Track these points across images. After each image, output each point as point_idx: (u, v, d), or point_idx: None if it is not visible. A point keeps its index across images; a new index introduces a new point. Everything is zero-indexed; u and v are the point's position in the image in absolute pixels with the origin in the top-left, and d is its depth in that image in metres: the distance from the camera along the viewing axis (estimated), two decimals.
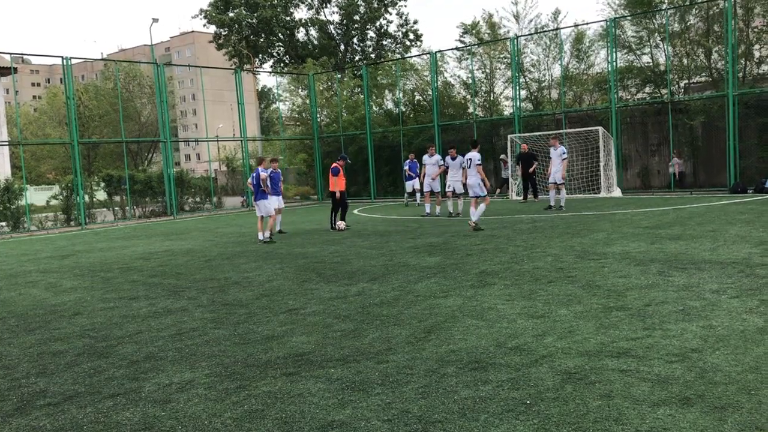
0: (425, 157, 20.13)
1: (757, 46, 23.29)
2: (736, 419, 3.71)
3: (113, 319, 7.49)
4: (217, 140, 36.19)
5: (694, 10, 24.18)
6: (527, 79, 28.46)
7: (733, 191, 20.95)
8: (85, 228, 23.26)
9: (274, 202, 15.53)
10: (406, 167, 24.93)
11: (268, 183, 15.02)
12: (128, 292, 9.24)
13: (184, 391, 4.82)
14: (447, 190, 18.72)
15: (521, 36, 27.83)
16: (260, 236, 14.53)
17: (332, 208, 16.65)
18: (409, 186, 25.02)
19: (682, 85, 25.46)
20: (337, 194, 16.25)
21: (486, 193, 14.27)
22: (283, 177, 20.00)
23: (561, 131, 24.65)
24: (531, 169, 22.27)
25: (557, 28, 27.68)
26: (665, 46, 24.15)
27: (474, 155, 14.28)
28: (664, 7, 24.33)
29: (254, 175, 15.06)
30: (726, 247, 9.55)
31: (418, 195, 24.61)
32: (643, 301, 6.61)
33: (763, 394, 4.04)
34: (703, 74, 24.76)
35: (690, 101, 23.85)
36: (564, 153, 18.49)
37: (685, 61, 24.73)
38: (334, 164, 16.55)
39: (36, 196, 33.96)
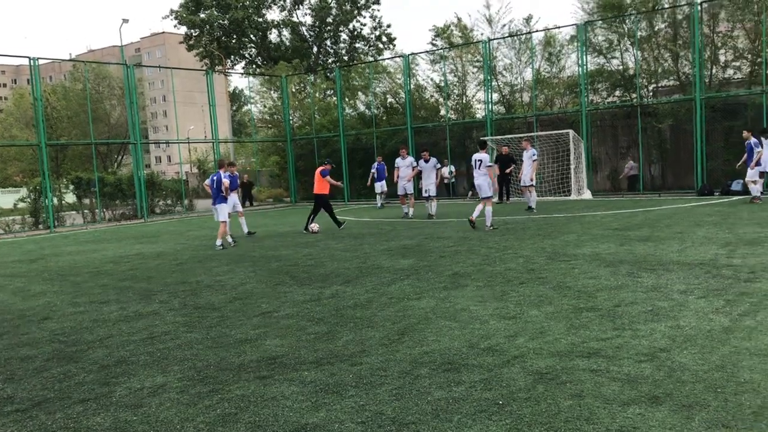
0: (398, 160, 20.18)
1: (722, 51, 23.74)
2: (703, 417, 3.79)
3: (83, 323, 7.39)
4: (188, 142, 35.84)
5: (661, 15, 24.57)
6: (499, 83, 28.68)
7: (701, 193, 21.33)
8: (53, 231, 22.88)
9: (230, 207, 15.54)
10: (374, 170, 25.11)
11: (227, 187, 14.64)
12: (98, 296, 9.12)
13: (156, 396, 4.78)
14: (424, 194, 18.83)
15: (493, 39, 28.04)
16: (218, 242, 14.07)
17: (314, 210, 16.66)
18: (378, 187, 25.21)
19: (650, 89, 25.86)
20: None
21: (491, 194, 14.46)
22: (252, 180, 20.18)
23: (532, 134, 24.88)
24: (507, 170, 22.47)
25: (529, 32, 27.94)
26: (634, 51, 24.52)
27: (484, 156, 14.48)
28: (632, 12, 24.67)
29: (214, 178, 14.54)
30: (693, 249, 9.73)
31: (379, 198, 25.09)
32: (612, 301, 6.71)
33: (728, 392, 4.13)
34: (671, 78, 25.18)
35: (658, 105, 24.23)
36: (534, 155, 18.76)
37: (653, 65, 25.12)
38: (324, 167, 16.61)
39: (3, 198, 33.32)
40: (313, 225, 16.24)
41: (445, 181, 26.67)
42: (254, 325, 6.74)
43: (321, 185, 16.41)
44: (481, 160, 14.41)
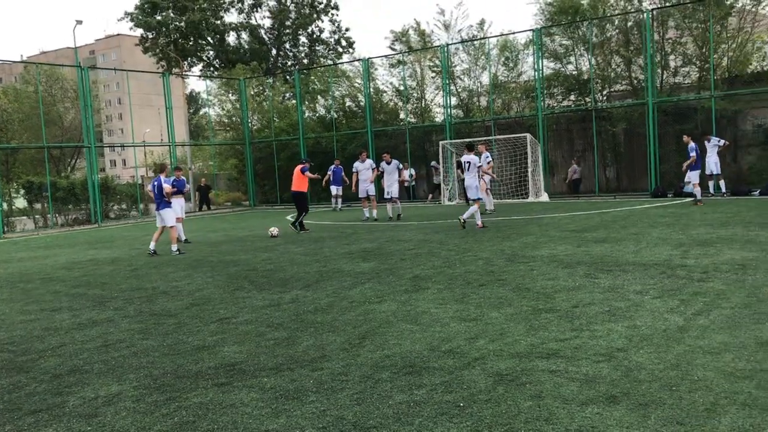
0: (356, 164, 20.22)
1: (672, 57, 24.35)
2: (659, 415, 3.86)
3: (34, 331, 7.18)
4: (144, 145, 35.24)
5: (613, 21, 25.06)
6: (457, 87, 28.90)
7: (654, 195, 21.82)
8: (2, 237, 22.23)
9: (178, 211, 15.47)
10: (330, 172, 25.15)
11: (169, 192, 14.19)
12: (50, 303, 8.88)
13: (111, 405, 4.66)
14: (386, 195, 19.04)
15: (451, 44, 28.24)
16: (174, 248, 13.73)
17: (301, 209, 16.84)
18: (333, 190, 25.35)
19: (604, 93, 26.36)
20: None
21: (480, 195, 14.99)
22: (210, 183, 20.27)
23: (490, 138, 25.13)
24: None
25: (485, 37, 28.23)
26: (589, 56, 24.97)
27: (472, 158, 14.78)
28: (586, 18, 25.12)
29: (155, 183, 14.11)
30: (648, 250, 9.93)
31: (339, 200, 25.47)
32: (570, 302, 6.79)
33: (683, 390, 4.21)
34: (624, 83, 25.72)
35: (612, 109, 24.72)
36: (487, 157, 18.99)
37: (606, 70, 25.61)
38: (303, 165, 16.88)
39: None
40: (272, 229, 16.13)
41: (405, 184, 26.78)
42: (212, 331, 6.64)
43: (300, 182, 16.62)
44: (470, 162, 14.76)
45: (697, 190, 17.83)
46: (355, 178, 19.98)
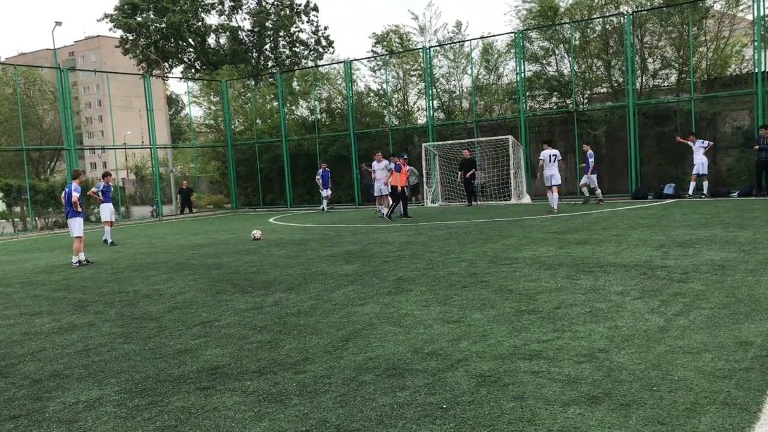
0: (374, 164, 21.40)
1: (651, 60, 24.59)
2: (641, 415, 3.89)
3: (14, 336, 7.09)
4: (125, 148, 35.03)
5: (593, 25, 25.26)
6: (439, 90, 28.97)
7: (635, 197, 22.01)
8: None
9: (107, 215, 15.87)
10: (318, 176, 25.55)
11: (80, 201, 13.66)
12: (30, 307, 8.77)
13: (92, 410, 4.61)
14: (376, 193, 20.81)
15: (433, 46, 28.31)
16: (74, 259, 13.09)
17: (396, 200, 18.73)
18: (324, 193, 25.74)
19: (585, 95, 26.56)
20: (399, 188, 18.66)
21: (560, 182, 18.86)
22: (191, 186, 20.85)
23: (473, 140, 25.23)
24: (468, 174, 23.12)
25: (465, 40, 28.33)
26: (569, 59, 25.15)
27: (555, 151, 18.50)
28: (566, 21, 25.30)
29: (66, 190, 13.60)
30: (629, 251, 10.02)
31: (325, 202, 26.02)
32: (552, 304, 6.83)
33: (664, 390, 4.25)
34: (604, 86, 25.92)
35: (593, 111, 24.91)
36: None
37: (587, 73, 25.80)
38: (397, 162, 18.71)
39: None
40: (255, 231, 16.08)
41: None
42: (194, 334, 6.60)
43: (396, 177, 18.39)
44: (555, 155, 18.29)
45: (595, 192, 20.39)
46: (373, 176, 21.51)
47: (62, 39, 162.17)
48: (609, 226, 13.60)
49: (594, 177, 20.61)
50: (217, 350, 5.93)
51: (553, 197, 18.24)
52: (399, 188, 18.68)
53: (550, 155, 18.35)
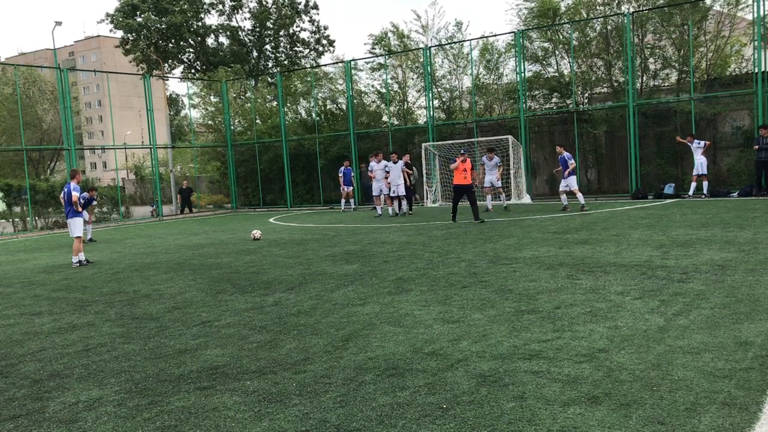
0: (372, 164, 21.63)
1: (651, 60, 24.58)
2: (640, 415, 3.89)
3: (14, 336, 7.09)
4: (125, 148, 34.95)
5: (594, 25, 25.26)
6: (439, 89, 28.96)
7: (635, 197, 22.00)
8: None
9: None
10: (341, 174, 25.58)
11: (81, 201, 13.72)
12: (30, 307, 8.78)
13: (92, 410, 4.61)
14: (392, 194, 20.57)
15: (433, 46, 28.30)
16: (75, 260, 13.05)
17: (472, 201, 17.29)
18: (346, 190, 25.93)
19: (585, 95, 26.55)
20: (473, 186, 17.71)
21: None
22: (191, 186, 20.82)
23: (473, 140, 25.22)
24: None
25: (466, 39, 28.32)
26: (569, 59, 25.14)
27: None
28: (567, 21, 25.30)
29: (65, 190, 13.45)
30: (629, 251, 10.01)
31: (344, 202, 26.13)
32: (552, 304, 6.83)
33: (664, 390, 4.25)
34: (604, 86, 25.91)
35: (593, 111, 24.90)
36: (498, 162, 20.61)
37: (588, 73, 25.78)
38: (465, 160, 17.41)
39: None
40: (255, 231, 16.08)
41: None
42: (194, 334, 6.60)
43: (460, 177, 17.22)
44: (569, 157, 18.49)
45: (579, 195, 18.72)
46: (372, 177, 21.55)
47: (62, 39, 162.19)
48: (609, 226, 13.60)
49: (573, 179, 18.61)
50: (217, 350, 5.93)
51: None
52: (472, 185, 17.38)
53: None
